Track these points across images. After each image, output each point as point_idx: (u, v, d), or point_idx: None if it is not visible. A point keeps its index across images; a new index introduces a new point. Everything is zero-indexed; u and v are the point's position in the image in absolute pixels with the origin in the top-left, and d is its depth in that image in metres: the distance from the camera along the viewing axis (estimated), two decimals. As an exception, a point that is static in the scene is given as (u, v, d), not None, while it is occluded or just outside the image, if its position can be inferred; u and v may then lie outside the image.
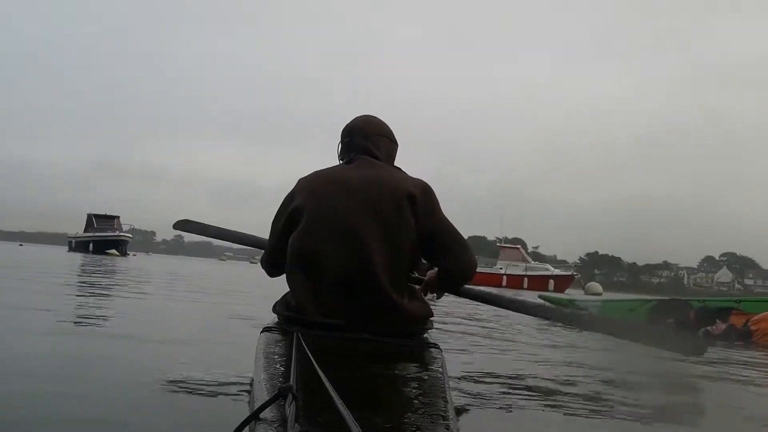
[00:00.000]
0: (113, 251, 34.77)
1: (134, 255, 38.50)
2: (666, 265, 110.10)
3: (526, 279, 39.15)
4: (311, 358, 1.30)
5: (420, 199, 1.89)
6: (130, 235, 39.85)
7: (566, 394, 2.35)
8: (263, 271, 2.19)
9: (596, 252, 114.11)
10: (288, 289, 1.95)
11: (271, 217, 2.09)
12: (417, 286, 2.07)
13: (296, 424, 1.00)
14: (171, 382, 1.98)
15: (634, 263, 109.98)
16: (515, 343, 4.11)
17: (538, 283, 37.53)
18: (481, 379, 2.51)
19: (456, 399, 1.88)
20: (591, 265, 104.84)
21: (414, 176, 2.03)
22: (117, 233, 38.36)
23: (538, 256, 64.12)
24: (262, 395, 1.21)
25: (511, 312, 2.53)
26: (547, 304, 7.75)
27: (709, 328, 5.64)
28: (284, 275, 2.01)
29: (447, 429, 1.13)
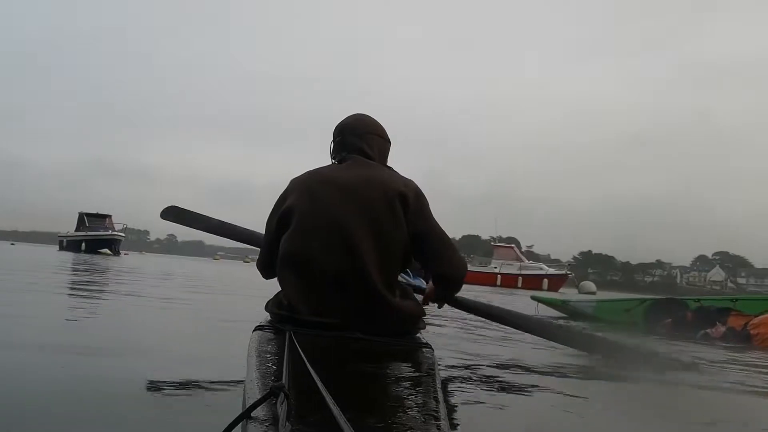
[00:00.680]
0: (106, 250, 34.60)
1: (126, 254, 38.22)
2: (659, 264, 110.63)
3: (520, 278, 39.23)
4: (303, 356, 1.29)
5: (411, 199, 1.90)
6: (123, 234, 39.66)
7: (559, 392, 2.35)
8: (258, 271, 2.18)
9: (590, 251, 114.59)
10: (280, 288, 1.95)
11: (265, 216, 2.09)
12: (414, 287, 2.09)
13: (288, 423, 0.99)
14: (162, 380, 1.97)
15: (628, 262, 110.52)
16: (507, 340, 4.11)
17: (533, 282, 37.60)
18: (472, 379, 2.51)
19: (448, 398, 1.88)
20: (584, 264, 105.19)
21: (406, 176, 2.04)
22: (110, 232, 38.18)
23: (531, 255, 64.23)
24: (253, 394, 1.21)
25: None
26: (540, 304, 7.75)
27: (708, 330, 5.58)
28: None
29: (438, 429, 1.13)
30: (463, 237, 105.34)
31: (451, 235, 2.10)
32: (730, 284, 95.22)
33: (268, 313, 1.97)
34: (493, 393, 2.25)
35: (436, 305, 2.29)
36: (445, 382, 2.10)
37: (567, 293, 30.04)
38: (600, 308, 7.38)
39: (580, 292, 33.86)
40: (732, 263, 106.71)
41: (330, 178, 1.95)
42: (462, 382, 2.37)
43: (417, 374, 1.45)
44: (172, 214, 2.99)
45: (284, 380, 1.14)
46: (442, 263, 1.97)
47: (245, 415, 1.04)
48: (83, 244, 36.07)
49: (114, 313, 4.18)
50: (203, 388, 1.90)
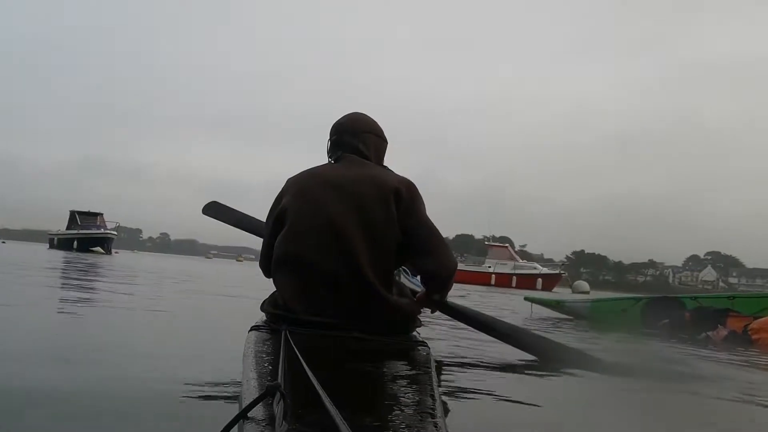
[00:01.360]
0: (98, 248, 34.40)
1: (116, 252, 37.89)
2: (651, 264, 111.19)
3: (514, 277, 39.30)
4: (299, 356, 1.29)
5: (405, 197, 1.90)
6: (115, 233, 39.45)
7: (557, 389, 2.36)
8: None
9: (582, 250, 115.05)
10: (275, 288, 1.95)
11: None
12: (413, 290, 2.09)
13: (284, 422, 0.99)
14: (158, 381, 1.96)
15: (620, 262, 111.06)
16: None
17: (526, 281, 37.70)
18: (469, 377, 2.51)
19: (444, 397, 1.88)
20: (577, 263, 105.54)
21: (401, 175, 2.04)
22: (102, 230, 37.95)
23: (525, 255, 64.39)
24: (250, 394, 1.21)
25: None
26: (534, 304, 7.67)
27: (710, 333, 5.50)
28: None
29: (435, 427, 1.13)
30: (457, 236, 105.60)
31: (444, 235, 2.10)
32: (721, 284, 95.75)
33: (263, 313, 1.97)
34: (490, 390, 2.25)
35: (429, 310, 2.26)
36: (442, 379, 2.10)
37: (561, 293, 30.11)
38: (595, 308, 7.19)
39: (573, 292, 33.95)
40: (724, 263, 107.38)
41: (324, 177, 1.95)
42: (459, 380, 2.37)
43: (413, 372, 1.45)
44: (213, 210, 3.02)
45: (280, 380, 1.14)
46: (429, 259, 1.94)
47: (242, 416, 1.04)
48: (75, 243, 35.82)
49: (107, 314, 4.14)
50: (199, 388, 1.89)
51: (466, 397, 2.07)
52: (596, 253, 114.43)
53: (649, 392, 2.47)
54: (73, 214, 40.32)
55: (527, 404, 2.06)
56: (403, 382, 1.36)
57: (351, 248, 1.81)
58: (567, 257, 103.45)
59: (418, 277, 2.44)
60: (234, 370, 1.94)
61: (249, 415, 1.04)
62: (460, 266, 20.93)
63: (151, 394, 1.81)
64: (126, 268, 13.57)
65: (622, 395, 2.31)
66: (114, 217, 43.01)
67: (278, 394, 1.04)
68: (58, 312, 4.00)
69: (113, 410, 1.62)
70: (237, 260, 73.01)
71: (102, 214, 40.88)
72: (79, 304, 4.58)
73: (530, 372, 2.71)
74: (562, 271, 43.82)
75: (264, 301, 1.98)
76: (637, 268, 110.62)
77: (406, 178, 2.00)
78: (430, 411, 1.19)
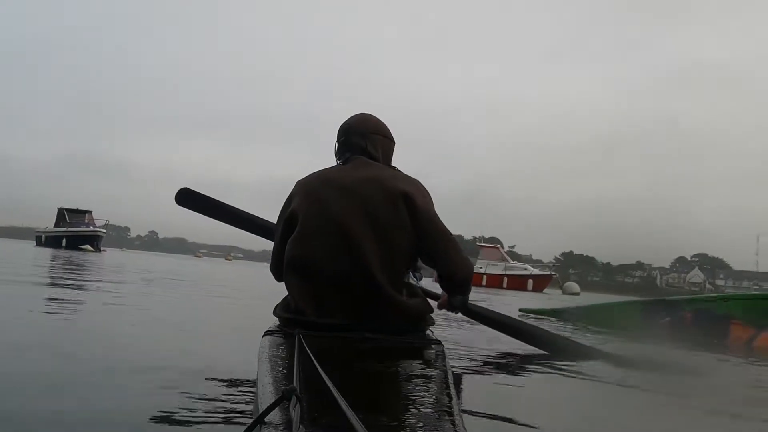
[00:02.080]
0: (87, 246, 34.13)
1: (104, 250, 37.47)
2: (639, 266, 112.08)
3: (505, 278, 39.39)
4: (313, 359, 1.28)
5: (415, 198, 1.89)
6: (105, 231, 39.16)
7: (575, 387, 2.36)
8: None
9: (571, 252, 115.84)
10: (287, 293, 1.94)
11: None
12: (426, 292, 2.09)
13: (301, 426, 0.98)
14: (174, 388, 1.93)
15: (608, 263, 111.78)
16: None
17: (517, 282, 37.81)
18: (485, 373, 2.50)
19: (460, 394, 1.87)
20: (566, 264, 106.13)
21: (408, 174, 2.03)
22: (91, 228, 37.65)
23: (514, 256, 64.57)
24: (266, 398, 1.20)
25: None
26: (531, 316, 7.53)
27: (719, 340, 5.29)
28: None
29: (453, 425, 1.12)
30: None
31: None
32: (708, 285, 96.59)
33: (276, 318, 1.96)
34: (507, 387, 2.24)
35: (453, 312, 2.29)
36: (457, 377, 2.08)
37: (551, 293, 30.25)
38: (592, 313, 6.98)
39: (564, 293, 34.15)
40: (711, 265, 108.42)
41: (332, 179, 1.94)
42: (474, 377, 2.35)
43: (428, 371, 1.44)
44: (186, 197, 2.78)
45: (295, 383, 1.13)
46: (446, 263, 1.96)
47: (259, 420, 1.03)
48: (64, 240, 35.51)
49: (119, 315, 4.05)
50: (216, 394, 1.88)
51: (483, 395, 2.07)
52: (585, 254, 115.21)
53: (660, 391, 2.47)
54: (61, 211, 39.91)
55: (546, 403, 2.04)
56: (418, 381, 1.35)
57: (360, 250, 1.81)
58: (556, 258, 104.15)
59: (422, 281, 2.43)
60: (249, 375, 1.93)
61: (266, 419, 1.03)
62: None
63: (166, 400, 1.78)
64: (131, 267, 13.38)
65: (645, 399, 2.30)
66: (101, 214, 42.61)
67: (294, 398, 1.03)
68: (67, 315, 3.91)
69: (125, 417, 1.59)
70: (226, 259, 72.73)
71: (91, 211, 40.54)
72: (88, 305, 4.50)
73: (551, 369, 2.70)
74: (552, 273, 43.99)
75: (276, 306, 1.97)
76: (625, 269, 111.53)
77: (414, 179, 2.00)
78: (447, 409, 1.18)
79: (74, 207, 40.43)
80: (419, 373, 1.42)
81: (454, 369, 1.63)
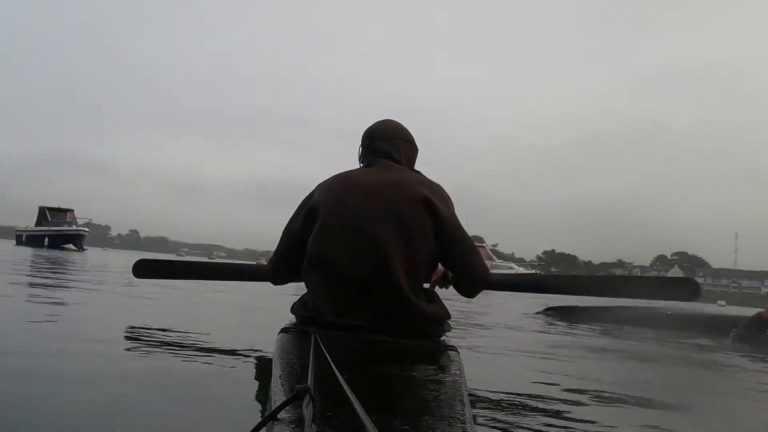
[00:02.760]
0: (70, 245, 33.67)
1: (85, 249, 36.93)
2: (620, 264, 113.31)
3: (489, 277, 39.56)
4: (329, 359, 1.28)
5: (437, 202, 1.89)
6: (87, 230, 38.67)
7: (586, 393, 2.35)
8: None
9: (553, 250, 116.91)
10: (306, 290, 1.94)
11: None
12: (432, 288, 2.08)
13: (313, 425, 0.98)
14: (189, 382, 1.94)
15: (590, 261, 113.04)
16: (535, 342, 4.13)
17: (502, 281, 37.96)
18: (499, 381, 2.48)
19: (474, 401, 1.86)
20: (548, 263, 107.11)
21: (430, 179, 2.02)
22: (74, 227, 37.14)
23: (497, 255, 64.96)
24: (279, 396, 1.20)
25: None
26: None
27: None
28: (288, 284, 2.05)
29: (464, 431, 1.11)
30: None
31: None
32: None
33: (293, 316, 1.97)
34: (520, 395, 2.23)
35: (445, 288, 2.26)
36: (471, 384, 2.07)
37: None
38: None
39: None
40: (690, 263, 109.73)
41: (356, 180, 1.94)
42: (488, 385, 2.33)
43: (442, 377, 1.44)
44: (146, 269, 2.94)
45: (310, 382, 1.13)
46: (467, 268, 1.97)
47: (271, 417, 1.03)
48: (46, 240, 34.99)
49: (121, 314, 4.01)
50: (229, 389, 1.88)
51: (496, 403, 2.06)
52: (566, 252, 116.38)
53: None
54: (42, 210, 39.30)
55: (558, 412, 2.03)
56: (432, 386, 1.35)
57: (382, 252, 1.80)
58: (538, 257, 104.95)
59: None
60: (263, 372, 1.94)
61: (278, 416, 1.03)
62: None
63: (180, 395, 1.81)
64: (113, 267, 13.16)
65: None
66: (82, 213, 42.05)
67: (307, 397, 1.03)
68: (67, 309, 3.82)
69: (138, 411, 1.60)
70: (209, 258, 72.28)
71: (73, 210, 40.01)
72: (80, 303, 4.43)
73: (564, 378, 2.69)
74: (537, 271, 44.36)
75: (294, 304, 1.98)
76: (606, 267, 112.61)
77: (438, 185, 2.00)
78: (460, 416, 1.18)
79: (55, 206, 39.86)
80: (433, 379, 1.42)
81: (468, 376, 1.62)
